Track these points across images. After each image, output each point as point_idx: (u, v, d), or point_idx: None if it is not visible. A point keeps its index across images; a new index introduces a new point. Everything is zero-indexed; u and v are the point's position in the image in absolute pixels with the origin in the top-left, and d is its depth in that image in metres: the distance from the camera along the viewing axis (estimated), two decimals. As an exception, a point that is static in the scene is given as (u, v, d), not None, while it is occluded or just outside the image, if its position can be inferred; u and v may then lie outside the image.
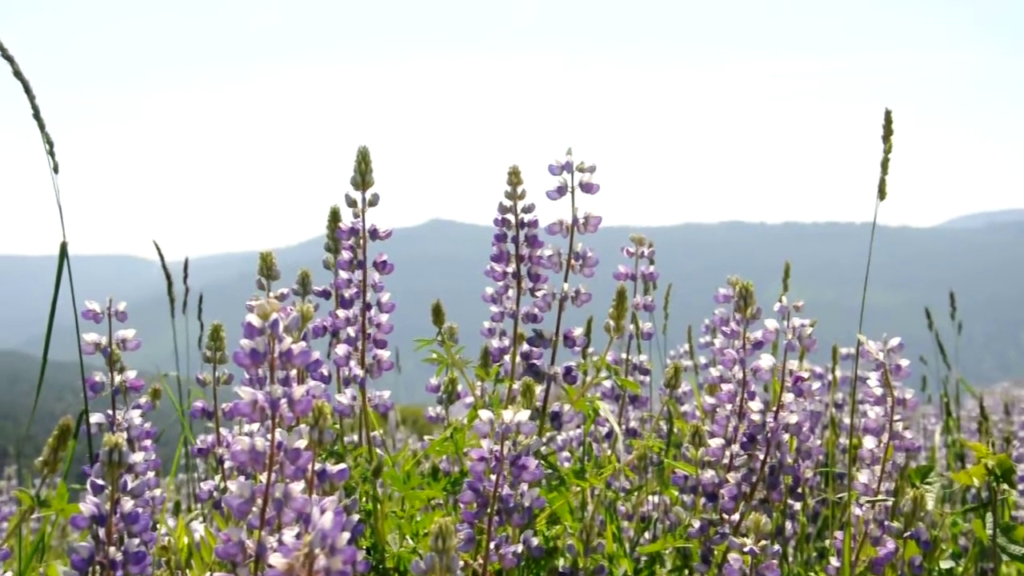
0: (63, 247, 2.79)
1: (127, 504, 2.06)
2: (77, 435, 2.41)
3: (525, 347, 2.90)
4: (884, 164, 2.97)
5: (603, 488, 2.97)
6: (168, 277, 3.55)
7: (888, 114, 2.96)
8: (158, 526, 2.49)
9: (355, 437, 3.05)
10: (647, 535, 3.40)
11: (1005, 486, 2.82)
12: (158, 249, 3.54)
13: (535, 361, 2.90)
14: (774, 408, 2.78)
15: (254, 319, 1.79)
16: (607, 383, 3.45)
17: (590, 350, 3.77)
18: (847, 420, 4.18)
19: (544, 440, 2.89)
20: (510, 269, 2.88)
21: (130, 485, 2.06)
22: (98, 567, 2.01)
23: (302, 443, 1.78)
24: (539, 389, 2.81)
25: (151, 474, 2.38)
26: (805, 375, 2.79)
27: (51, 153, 2.81)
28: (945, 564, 3.01)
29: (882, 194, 2.99)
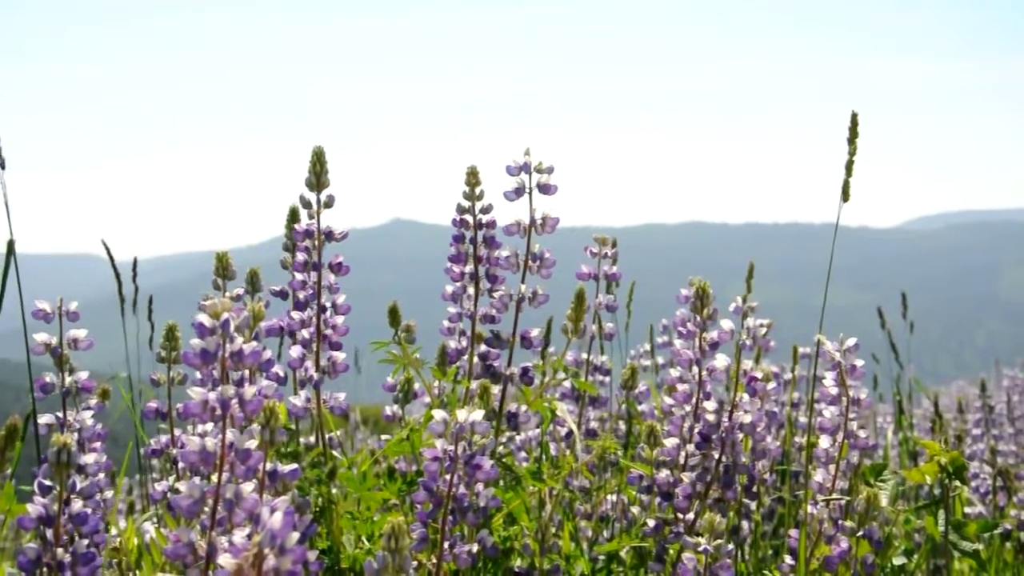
0: (10, 245, 2.75)
1: (76, 505, 2.04)
2: (25, 436, 2.38)
3: (483, 348, 2.90)
4: (848, 166, 2.98)
5: (561, 488, 2.98)
6: (118, 277, 3.51)
7: (854, 117, 2.97)
8: (109, 527, 2.46)
9: (312, 439, 3.03)
10: (605, 534, 3.41)
11: (957, 483, 2.86)
12: (107, 249, 3.50)
13: (492, 362, 2.89)
14: (729, 408, 2.80)
15: (205, 319, 1.78)
16: (567, 383, 3.45)
17: (551, 350, 3.78)
18: (804, 419, 4.22)
19: (502, 441, 2.89)
20: (468, 270, 2.88)
21: (79, 486, 2.04)
22: (46, 568, 1.99)
23: (253, 443, 1.76)
24: (496, 390, 2.81)
25: (102, 475, 2.35)
26: (759, 375, 2.81)
27: (-3, 147, 2.77)
28: (898, 560, 3.05)
29: (846, 196, 3.00)
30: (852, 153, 2.98)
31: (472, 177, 2.86)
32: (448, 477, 2.27)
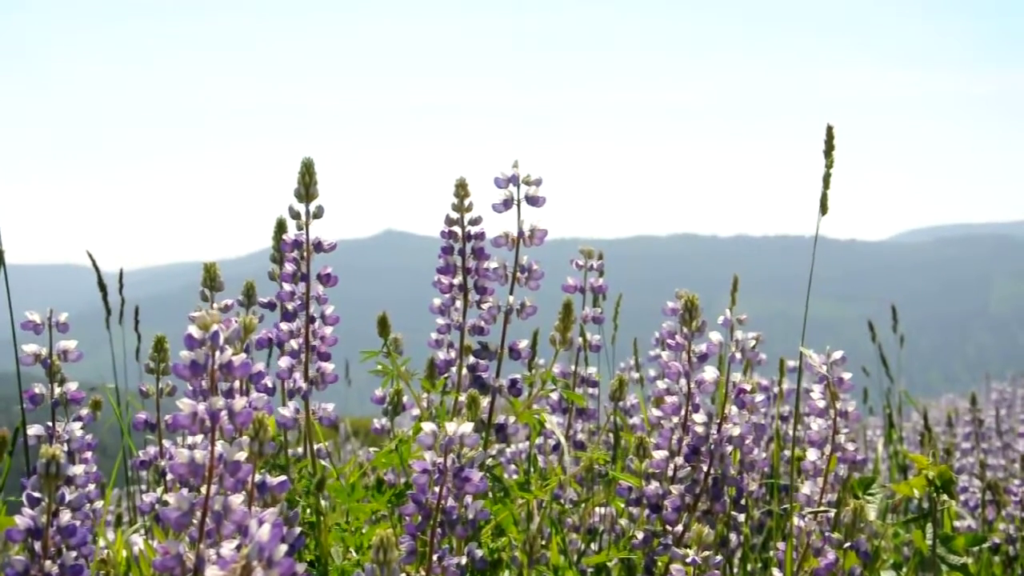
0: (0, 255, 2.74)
1: (65, 517, 2.03)
2: (14, 448, 2.37)
3: (471, 359, 2.90)
4: (826, 179, 3.00)
5: (549, 500, 2.98)
6: (103, 288, 3.50)
7: (830, 130, 2.99)
8: (97, 539, 2.45)
9: (300, 450, 3.03)
10: (594, 546, 3.41)
11: (945, 497, 2.87)
12: (92, 259, 3.50)
13: (481, 373, 2.90)
14: (718, 421, 2.80)
15: (194, 331, 1.78)
16: (555, 395, 3.46)
17: (540, 362, 3.77)
18: (792, 432, 4.23)
19: (491, 453, 2.89)
20: (457, 281, 2.89)
21: (68, 497, 2.04)
22: (33, 581, 1.99)
23: (242, 455, 1.76)
24: (484, 401, 2.81)
25: (92, 486, 2.35)
26: (748, 387, 2.82)
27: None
28: (886, 574, 3.05)
29: (824, 209, 3.02)
30: (829, 166, 3.00)
31: (461, 189, 2.87)
32: (437, 489, 2.28)
